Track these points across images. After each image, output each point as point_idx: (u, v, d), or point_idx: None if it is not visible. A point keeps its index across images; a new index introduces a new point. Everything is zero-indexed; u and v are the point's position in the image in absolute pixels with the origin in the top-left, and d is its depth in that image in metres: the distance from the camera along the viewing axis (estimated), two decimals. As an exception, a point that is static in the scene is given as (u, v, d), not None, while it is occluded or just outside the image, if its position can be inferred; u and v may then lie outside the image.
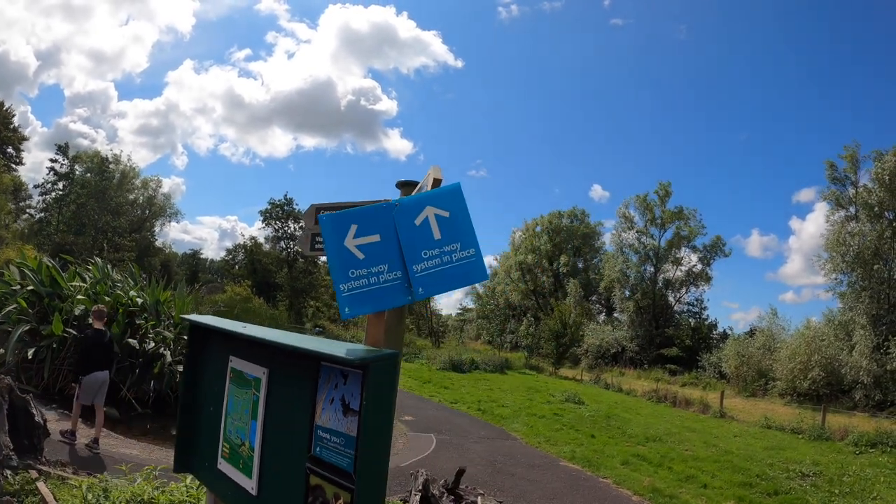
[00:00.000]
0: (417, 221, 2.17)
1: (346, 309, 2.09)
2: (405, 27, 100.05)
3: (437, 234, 2.16)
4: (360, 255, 2.13)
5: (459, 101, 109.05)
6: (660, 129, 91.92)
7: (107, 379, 8.36)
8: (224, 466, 2.89)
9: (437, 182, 2.63)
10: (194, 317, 3.25)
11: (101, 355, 8.33)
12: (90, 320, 9.15)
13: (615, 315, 53.50)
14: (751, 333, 38.15)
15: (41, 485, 4.66)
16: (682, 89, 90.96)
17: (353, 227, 2.14)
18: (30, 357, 9.99)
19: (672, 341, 45.99)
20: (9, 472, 4.85)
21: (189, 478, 5.05)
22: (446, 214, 2.19)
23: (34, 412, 5.57)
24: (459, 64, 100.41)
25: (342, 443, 1.99)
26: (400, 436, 12.44)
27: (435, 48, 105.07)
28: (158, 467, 5.39)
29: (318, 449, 2.12)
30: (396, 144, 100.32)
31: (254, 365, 2.69)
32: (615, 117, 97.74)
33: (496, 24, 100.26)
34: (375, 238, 2.15)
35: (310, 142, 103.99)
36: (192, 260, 72.69)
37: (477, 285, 61.46)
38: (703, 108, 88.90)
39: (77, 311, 10.84)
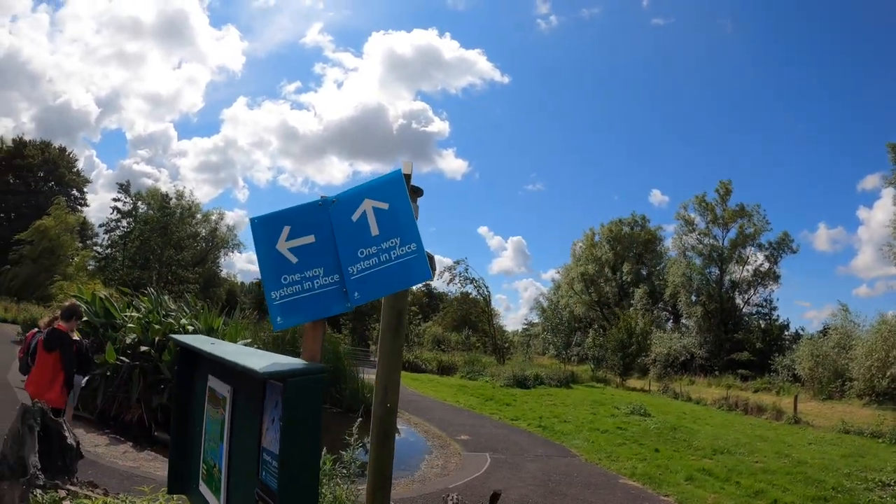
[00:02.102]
0: (354, 217, 1.96)
1: (278, 319, 1.91)
2: (449, 48, 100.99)
3: (374, 230, 1.94)
4: (294, 259, 1.94)
5: (509, 116, 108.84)
6: (714, 126, 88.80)
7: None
8: (202, 488, 2.78)
9: (407, 179, 2.43)
10: (179, 336, 3.17)
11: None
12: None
13: (682, 321, 51.62)
14: (824, 332, 35.88)
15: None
16: (732, 83, 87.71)
17: (286, 229, 1.96)
18: (84, 385, 10.32)
19: (742, 345, 43.82)
20: (38, 491, 4.96)
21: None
22: (385, 206, 1.97)
23: (66, 434, 5.71)
24: (506, 80, 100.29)
25: (277, 466, 1.80)
26: (453, 456, 12.17)
27: (480, 66, 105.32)
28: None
29: (263, 473, 1.94)
30: (451, 164, 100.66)
31: (222, 383, 2.56)
32: (667, 118, 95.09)
33: (537, 36, 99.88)
34: (310, 239, 1.96)
35: (366, 167, 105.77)
36: (258, 289, 74.98)
37: (541, 299, 60.92)
38: (755, 100, 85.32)
39: (129, 340, 11.17)
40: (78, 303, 8.10)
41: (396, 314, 3.16)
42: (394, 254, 1.93)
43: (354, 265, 1.93)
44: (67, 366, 6.74)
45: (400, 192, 1.98)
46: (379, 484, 3.24)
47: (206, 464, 2.78)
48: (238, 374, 2.35)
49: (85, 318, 11.37)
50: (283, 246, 1.94)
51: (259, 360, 1.93)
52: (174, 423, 3.31)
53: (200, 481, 2.84)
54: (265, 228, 1.96)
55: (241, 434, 2.30)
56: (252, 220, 1.97)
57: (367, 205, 1.96)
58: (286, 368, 1.68)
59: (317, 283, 1.93)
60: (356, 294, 1.91)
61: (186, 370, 3.29)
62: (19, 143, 49.17)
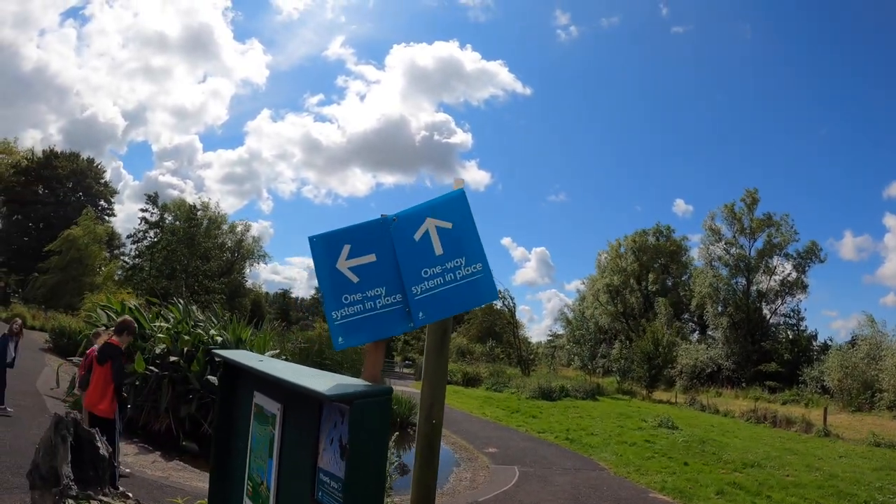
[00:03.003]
0: (417, 236, 1.93)
1: (340, 339, 1.87)
2: (470, 59, 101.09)
3: (438, 250, 1.91)
4: (355, 279, 1.91)
5: (532, 127, 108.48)
6: (736, 135, 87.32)
7: None
8: (247, 505, 2.75)
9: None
10: (223, 352, 3.17)
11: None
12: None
13: (709, 333, 50.80)
14: (853, 343, 35.08)
15: (99, 515, 4.77)
16: (754, 91, 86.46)
17: (346, 248, 1.92)
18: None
19: (770, 356, 42.91)
20: (70, 501, 5.00)
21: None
22: (449, 226, 1.93)
23: (98, 445, 5.74)
24: (528, 91, 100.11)
25: (338, 488, 1.77)
26: (481, 469, 12.08)
27: (502, 77, 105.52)
28: None
29: (319, 493, 1.91)
30: (475, 176, 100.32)
31: (271, 400, 2.54)
32: (690, 127, 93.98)
33: (557, 47, 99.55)
34: (371, 258, 1.92)
35: (389, 179, 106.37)
36: (283, 299, 75.70)
37: (566, 310, 60.54)
38: (779, 108, 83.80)
39: (158, 350, 11.28)
40: (130, 318, 8.25)
41: (441, 333, 3.12)
42: (459, 274, 1.89)
43: (418, 285, 1.89)
44: (117, 377, 6.88)
45: (463, 210, 1.94)
46: (423, 499, 3.22)
47: (251, 480, 2.75)
48: (290, 392, 2.33)
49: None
50: (343, 265, 1.91)
51: (316, 380, 1.90)
52: (216, 439, 3.30)
53: (245, 498, 2.82)
54: (325, 247, 1.93)
55: (293, 452, 2.27)
56: (311, 239, 1.94)
57: (430, 224, 1.93)
58: (352, 391, 1.65)
59: (378, 302, 1.90)
60: (420, 314, 1.88)
61: (229, 385, 3.28)
62: (49, 155, 50.26)
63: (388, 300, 1.90)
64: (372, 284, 1.90)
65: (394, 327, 1.90)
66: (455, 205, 1.97)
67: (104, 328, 10.26)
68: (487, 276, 1.89)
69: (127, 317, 8.75)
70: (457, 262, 1.90)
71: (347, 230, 1.96)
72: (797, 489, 11.11)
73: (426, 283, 1.90)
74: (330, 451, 1.86)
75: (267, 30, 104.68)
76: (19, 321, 12.49)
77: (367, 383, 1.81)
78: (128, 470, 7.78)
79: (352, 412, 1.62)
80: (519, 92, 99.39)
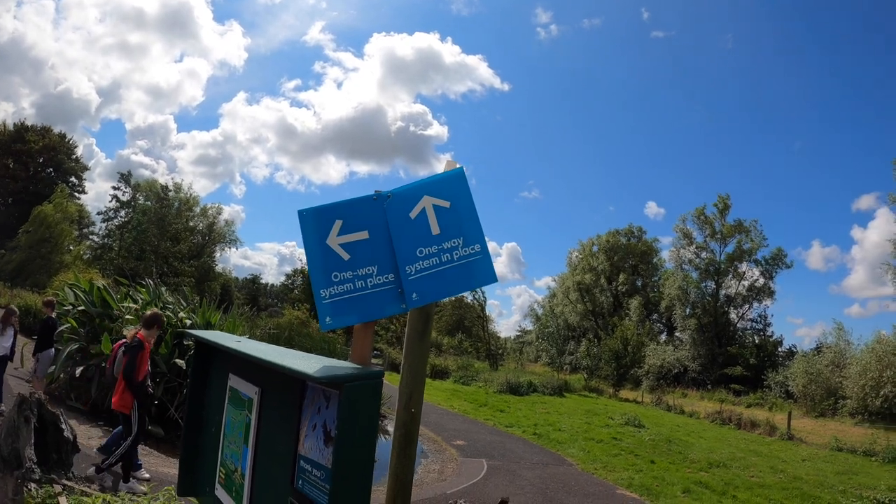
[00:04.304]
0: (413, 214, 1.83)
1: (328, 319, 1.77)
2: (450, 52, 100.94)
3: (435, 229, 1.82)
4: (346, 256, 1.81)
5: (508, 123, 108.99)
6: (711, 141, 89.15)
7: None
8: (219, 492, 2.64)
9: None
10: (197, 332, 3.03)
11: (52, 337, 10.31)
12: (44, 309, 10.98)
13: (676, 334, 51.60)
14: (818, 350, 35.96)
15: (63, 500, 4.58)
16: (732, 99, 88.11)
17: (338, 223, 1.82)
18: (78, 375, 10.15)
19: (736, 360, 43.74)
20: (33, 485, 4.82)
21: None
22: (447, 205, 1.84)
23: (63, 427, 5.56)
24: (506, 87, 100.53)
25: (321, 476, 1.67)
26: (450, 461, 12.05)
27: (481, 72, 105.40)
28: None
29: (300, 482, 1.81)
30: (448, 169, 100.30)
31: (248, 384, 2.42)
32: (665, 131, 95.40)
33: (537, 44, 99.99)
34: (363, 235, 1.82)
35: (363, 168, 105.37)
36: (252, 285, 74.65)
37: (535, 307, 60.94)
38: (754, 117, 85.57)
39: (126, 332, 10.97)
40: (159, 312, 8.01)
41: (424, 318, 3.04)
42: (456, 254, 1.80)
43: (413, 265, 1.80)
44: (126, 370, 6.63)
45: (462, 189, 1.86)
46: (399, 490, 3.14)
47: (224, 467, 2.64)
48: (269, 374, 2.22)
49: (82, 307, 11.20)
50: (334, 241, 1.81)
51: (301, 361, 1.80)
52: (187, 423, 3.15)
53: (217, 485, 2.70)
54: (315, 221, 1.83)
55: (270, 438, 2.17)
56: (301, 213, 1.83)
57: (427, 202, 1.84)
58: (342, 373, 1.55)
59: (370, 281, 1.80)
60: (414, 295, 1.79)
61: (201, 367, 3.15)
62: (20, 128, 48.68)
63: (379, 279, 1.80)
64: (363, 262, 1.81)
65: (385, 308, 1.81)
66: (453, 183, 1.88)
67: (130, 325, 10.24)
68: (486, 258, 1.81)
69: (156, 310, 8.51)
70: (454, 243, 1.81)
71: (339, 205, 1.85)
72: (762, 490, 11.32)
73: (421, 262, 1.81)
74: (312, 438, 1.77)
75: (247, 12, 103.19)
76: (15, 309, 11.00)
77: (356, 366, 1.71)
78: (147, 475, 7.27)
79: (342, 396, 1.52)
80: (497, 87, 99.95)
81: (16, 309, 10.92)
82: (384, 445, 10.87)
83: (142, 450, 8.97)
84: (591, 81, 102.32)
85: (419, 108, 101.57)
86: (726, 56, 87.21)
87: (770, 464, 14.51)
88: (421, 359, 3.19)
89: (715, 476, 12.35)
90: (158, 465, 8.10)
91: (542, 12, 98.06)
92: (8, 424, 5.19)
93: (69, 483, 5.24)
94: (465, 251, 1.81)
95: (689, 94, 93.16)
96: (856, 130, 75.18)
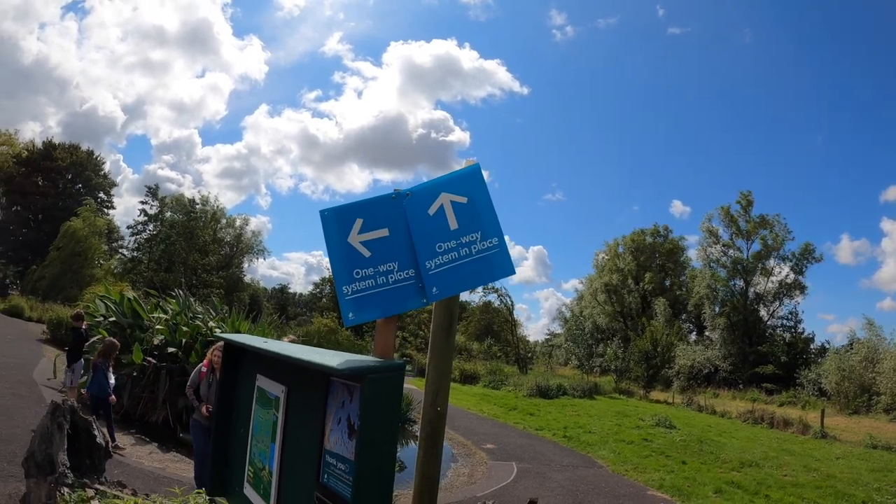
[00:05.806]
0: (431, 211, 1.87)
1: (350, 314, 1.81)
2: (468, 58, 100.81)
3: (453, 224, 1.86)
4: (367, 253, 1.85)
5: (529, 126, 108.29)
6: (733, 137, 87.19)
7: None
8: (248, 491, 2.70)
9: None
10: (227, 335, 3.11)
11: (82, 348, 10.55)
12: (74, 322, 11.20)
13: (706, 333, 50.82)
14: (850, 346, 35.11)
15: (95, 503, 4.69)
16: (752, 93, 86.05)
17: (359, 222, 1.87)
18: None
19: (767, 358, 42.87)
20: (66, 489, 4.93)
21: None
22: (464, 200, 1.88)
23: (96, 433, 5.68)
24: (525, 90, 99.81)
25: (346, 469, 1.70)
26: (479, 465, 12.05)
27: (500, 76, 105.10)
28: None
29: (325, 476, 1.85)
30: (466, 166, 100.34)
31: (274, 383, 2.48)
32: (687, 128, 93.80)
33: (553, 46, 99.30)
34: (384, 233, 1.87)
35: (386, 176, 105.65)
36: (281, 294, 75.46)
37: (563, 309, 60.58)
38: (776, 111, 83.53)
39: (156, 341, 11.20)
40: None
41: (449, 316, 3.07)
42: (474, 248, 1.84)
43: (432, 259, 1.84)
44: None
45: (479, 185, 1.90)
46: (426, 487, 3.17)
47: (252, 466, 2.70)
48: (295, 373, 2.27)
49: (113, 318, 11.45)
50: (355, 239, 1.86)
51: (325, 356, 1.84)
52: (216, 426, 3.24)
53: (245, 484, 2.76)
54: (337, 221, 1.88)
55: (296, 435, 2.21)
56: (322, 212, 1.88)
57: (445, 199, 1.88)
58: (364, 365, 1.58)
59: (391, 277, 1.85)
60: (434, 289, 1.83)
61: (230, 369, 3.23)
62: (49, 146, 50.03)
63: (400, 275, 1.85)
64: (384, 259, 1.85)
65: (406, 302, 1.85)
66: (470, 179, 1.92)
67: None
68: (504, 251, 1.85)
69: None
70: (473, 237, 1.85)
71: (360, 204, 1.91)
72: (795, 489, 11.11)
73: (441, 257, 1.85)
74: (337, 432, 1.80)
75: (266, 26, 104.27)
76: (111, 340, 9.53)
77: (378, 359, 1.75)
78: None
79: (364, 388, 1.56)
80: (516, 91, 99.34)
81: (117, 343, 9.48)
82: (412, 450, 10.88)
83: (174, 456, 9.16)
84: (610, 81, 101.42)
85: (440, 114, 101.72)
86: (745, 50, 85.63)
87: (803, 462, 14.22)
88: (446, 356, 3.22)
89: (747, 476, 12.15)
90: (190, 472, 8.22)
91: (556, 14, 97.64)
92: (41, 431, 5.33)
93: (101, 487, 5.36)
94: (484, 245, 1.85)
95: (708, 90, 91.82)
96: (879, 121, 73.05)
